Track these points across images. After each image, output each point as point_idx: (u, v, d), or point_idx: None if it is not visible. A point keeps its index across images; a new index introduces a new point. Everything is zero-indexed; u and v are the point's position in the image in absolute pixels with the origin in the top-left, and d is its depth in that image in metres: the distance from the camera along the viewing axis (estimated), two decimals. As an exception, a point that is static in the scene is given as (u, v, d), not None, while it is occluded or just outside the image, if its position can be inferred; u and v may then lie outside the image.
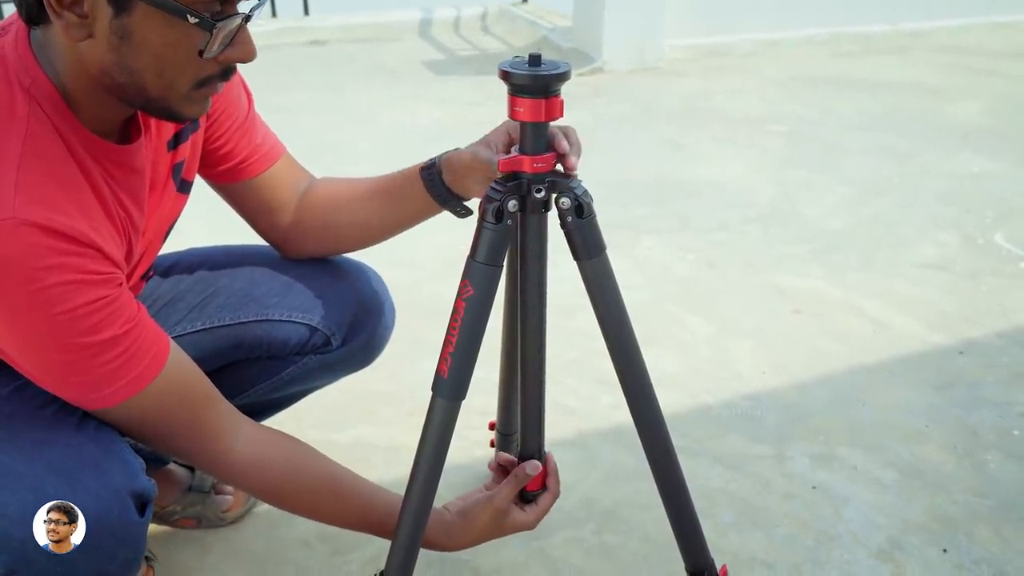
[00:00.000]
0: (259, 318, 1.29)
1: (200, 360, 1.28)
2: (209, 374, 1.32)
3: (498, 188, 1.05)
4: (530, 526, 1.23)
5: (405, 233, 1.30)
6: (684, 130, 3.70)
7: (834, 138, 3.58)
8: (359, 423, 1.77)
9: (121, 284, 0.94)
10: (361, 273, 1.37)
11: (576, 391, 1.89)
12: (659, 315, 2.21)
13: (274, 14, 5.51)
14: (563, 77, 0.98)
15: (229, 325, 1.29)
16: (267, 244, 1.35)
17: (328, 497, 1.17)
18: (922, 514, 1.55)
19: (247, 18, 0.90)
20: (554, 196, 1.06)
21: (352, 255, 1.39)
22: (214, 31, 0.86)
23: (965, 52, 5.01)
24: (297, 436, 1.61)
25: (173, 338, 1.25)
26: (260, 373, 1.35)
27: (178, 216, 1.21)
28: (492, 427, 1.54)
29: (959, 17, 5.38)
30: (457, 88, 4.31)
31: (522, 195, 1.06)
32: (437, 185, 1.16)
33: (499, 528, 1.22)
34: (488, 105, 3.94)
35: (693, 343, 2.10)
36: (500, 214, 1.04)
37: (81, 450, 0.97)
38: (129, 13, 0.84)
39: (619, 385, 1.15)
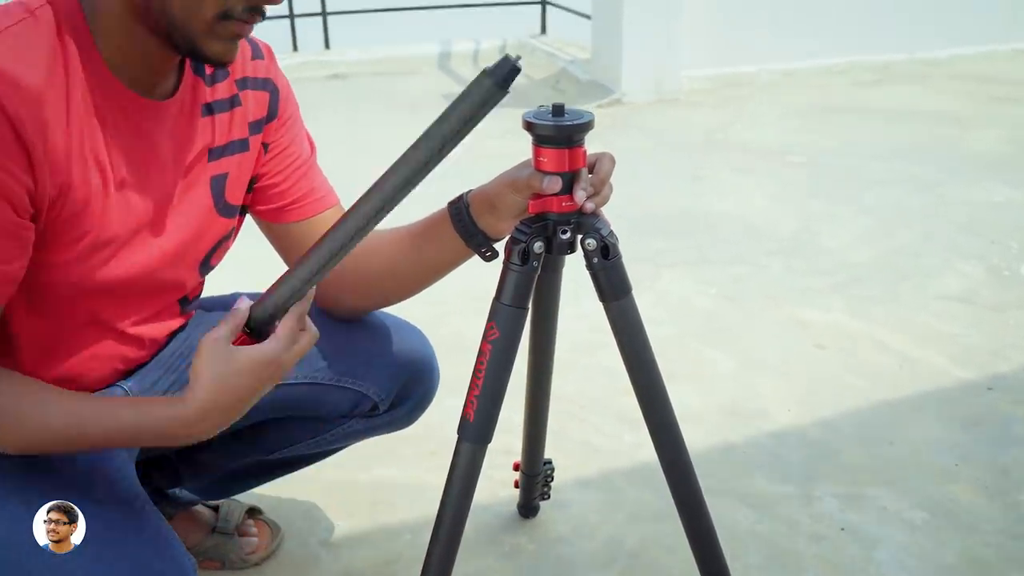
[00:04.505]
0: (308, 380, 1.27)
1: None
2: (251, 428, 1.31)
3: (524, 230, 1.05)
4: (278, 353, 0.96)
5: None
6: (703, 161, 3.70)
7: (854, 168, 3.57)
8: (382, 462, 1.76)
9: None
10: (411, 337, 1.34)
11: (600, 429, 1.88)
12: (681, 350, 2.20)
13: (295, 48, 5.57)
14: (586, 127, 0.98)
15: (277, 384, 1.27)
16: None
17: (74, 435, 0.98)
18: (954, 557, 1.52)
19: None
20: (579, 237, 1.06)
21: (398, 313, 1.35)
22: None
23: (985, 80, 5.00)
24: (319, 477, 1.63)
25: None
26: (304, 432, 1.34)
27: (219, 242, 1.17)
28: (516, 467, 1.53)
29: (979, 45, 5.38)
30: (476, 121, 4.33)
31: (547, 236, 1.06)
32: (464, 219, 1.11)
33: (228, 362, 0.94)
34: (507, 138, 3.94)
35: (716, 379, 2.09)
36: (526, 256, 1.04)
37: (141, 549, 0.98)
38: None
39: (643, 423, 1.14)
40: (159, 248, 1.06)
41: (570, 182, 1.02)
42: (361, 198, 0.87)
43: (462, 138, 0.82)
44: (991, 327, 2.30)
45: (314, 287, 0.96)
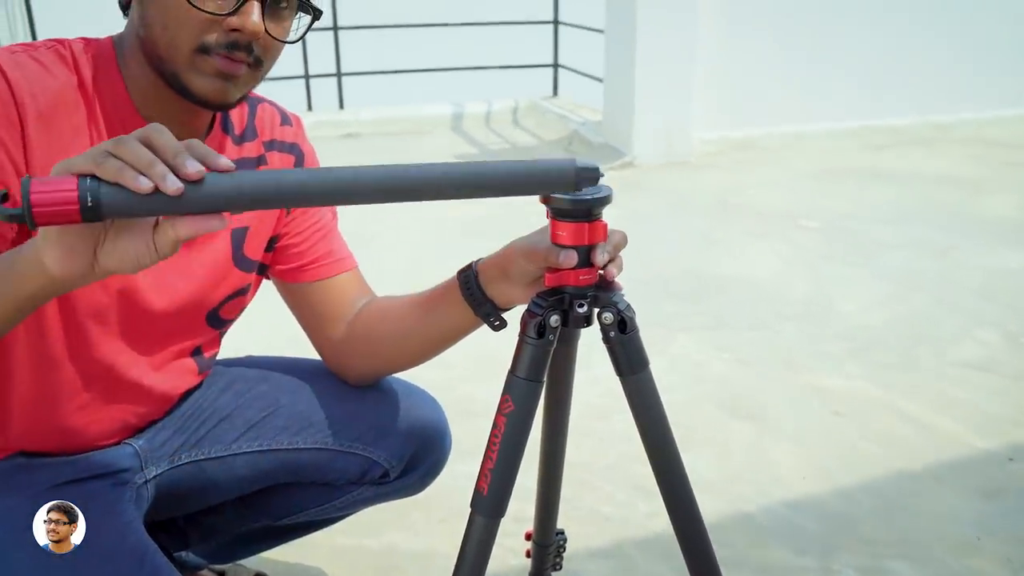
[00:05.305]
0: (318, 446, 1.26)
1: (252, 479, 1.27)
2: (260, 493, 1.31)
3: (540, 303, 1.04)
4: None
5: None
6: (716, 224, 3.70)
7: (868, 232, 3.56)
8: (391, 529, 1.74)
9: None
10: (422, 403, 1.33)
11: (613, 497, 1.85)
12: (695, 417, 2.17)
13: (310, 107, 5.65)
14: (604, 201, 0.96)
15: (287, 449, 1.26)
16: None
17: None
18: (979, 635, 1.48)
19: None
20: (596, 311, 1.05)
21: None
22: None
23: (997, 144, 5.02)
24: (327, 542, 1.61)
25: (229, 456, 1.24)
26: (313, 498, 1.32)
27: (232, 295, 1.18)
28: (528, 537, 1.50)
29: (989, 109, 5.41)
30: (489, 181, 4.36)
31: (564, 310, 1.04)
32: (472, 287, 1.10)
33: None
34: (519, 198, 3.97)
35: (731, 446, 2.06)
36: (542, 329, 1.03)
37: None
38: None
39: (657, 491, 1.12)
40: (172, 288, 1.08)
41: (587, 255, 1.01)
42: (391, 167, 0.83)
43: (506, 190, 0.88)
44: (1010, 396, 2.27)
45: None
